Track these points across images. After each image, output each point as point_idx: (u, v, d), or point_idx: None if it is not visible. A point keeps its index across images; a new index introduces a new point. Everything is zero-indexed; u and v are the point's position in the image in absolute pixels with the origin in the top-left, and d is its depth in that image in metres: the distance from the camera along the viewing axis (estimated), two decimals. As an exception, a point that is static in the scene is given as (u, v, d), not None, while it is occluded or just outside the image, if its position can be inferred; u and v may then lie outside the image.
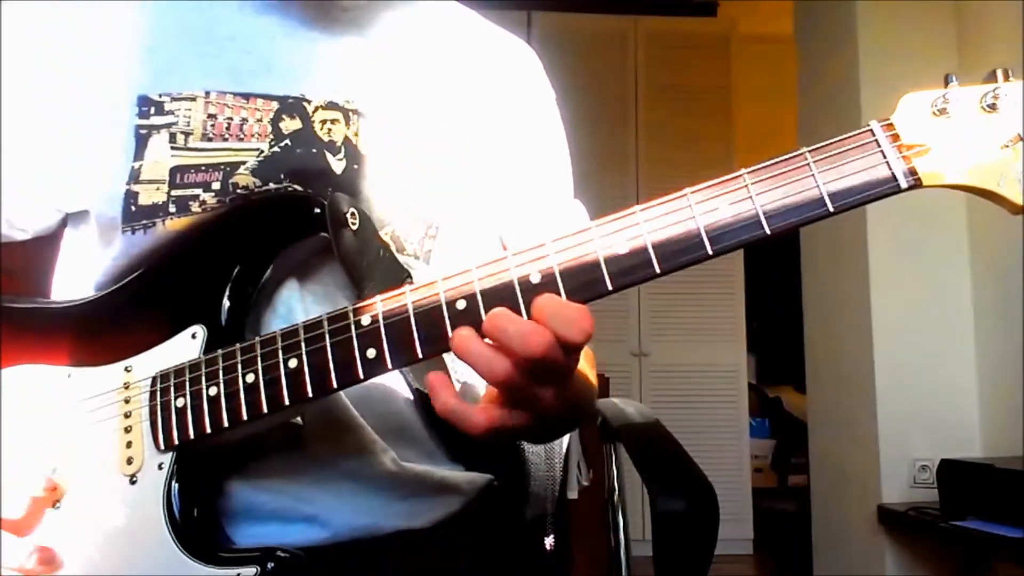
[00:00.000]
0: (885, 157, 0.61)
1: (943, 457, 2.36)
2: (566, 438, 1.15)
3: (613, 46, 4.23)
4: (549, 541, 1.08)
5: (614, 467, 0.98)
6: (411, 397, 0.83)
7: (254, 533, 0.74)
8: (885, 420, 2.61)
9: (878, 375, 2.63)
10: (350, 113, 0.81)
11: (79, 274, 0.83)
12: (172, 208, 0.77)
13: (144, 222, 0.77)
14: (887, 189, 0.61)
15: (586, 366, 0.84)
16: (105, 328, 0.78)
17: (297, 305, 0.77)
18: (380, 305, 0.66)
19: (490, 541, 0.87)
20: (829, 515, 2.96)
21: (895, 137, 0.61)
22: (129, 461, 0.73)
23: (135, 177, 0.77)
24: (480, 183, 0.88)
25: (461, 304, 0.64)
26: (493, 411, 0.64)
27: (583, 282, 0.63)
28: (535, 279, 0.63)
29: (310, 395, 0.67)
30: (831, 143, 0.62)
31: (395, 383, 0.82)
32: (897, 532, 2.56)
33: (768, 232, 0.61)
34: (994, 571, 2.44)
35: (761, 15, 4.18)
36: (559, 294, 0.63)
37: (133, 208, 0.77)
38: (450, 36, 0.93)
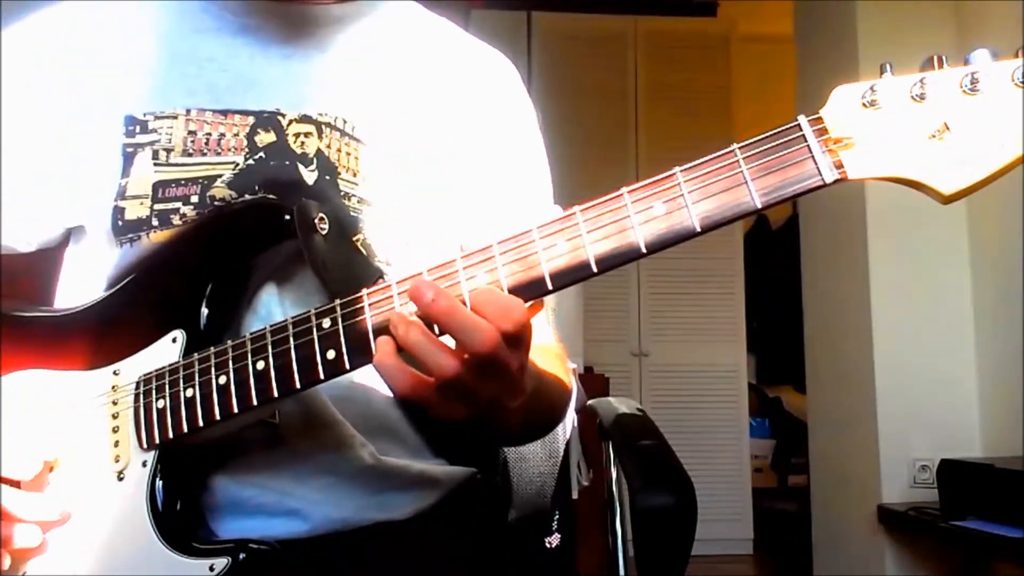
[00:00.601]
0: (811, 151, 0.61)
1: (943, 457, 2.36)
2: (565, 436, 1.15)
3: (613, 46, 4.23)
4: (551, 540, 1.09)
5: (612, 466, 0.98)
6: (392, 395, 0.84)
7: (239, 526, 0.78)
8: (885, 420, 2.61)
9: (878, 375, 2.63)
10: (323, 126, 0.84)
11: (80, 285, 0.87)
12: (155, 222, 0.81)
13: (130, 236, 0.82)
14: (812, 183, 0.61)
15: (558, 367, 0.88)
16: (96, 335, 0.82)
17: (276, 308, 0.81)
18: (339, 308, 0.69)
19: (471, 533, 0.90)
20: (829, 515, 2.96)
21: (823, 131, 0.61)
22: (117, 459, 0.78)
23: (121, 193, 0.82)
24: (454, 190, 0.90)
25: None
26: (422, 388, 0.65)
27: (526, 283, 0.65)
28: (482, 282, 0.66)
29: (275, 395, 0.71)
30: (761, 139, 0.62)
31: (375, 382, 0.83)
32: (897, 532, 2.56)
33: (699, 230, 0.63)
34: (994, 571, 2.44)
35: (761, 15, 4.18)
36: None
37: (120, 223, 0.82)
38: (425, 47, 0.95)
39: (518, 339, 0.64)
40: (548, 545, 1.09)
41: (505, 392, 0.67)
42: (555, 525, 1.11)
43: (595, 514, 1.09)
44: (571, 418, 1.19)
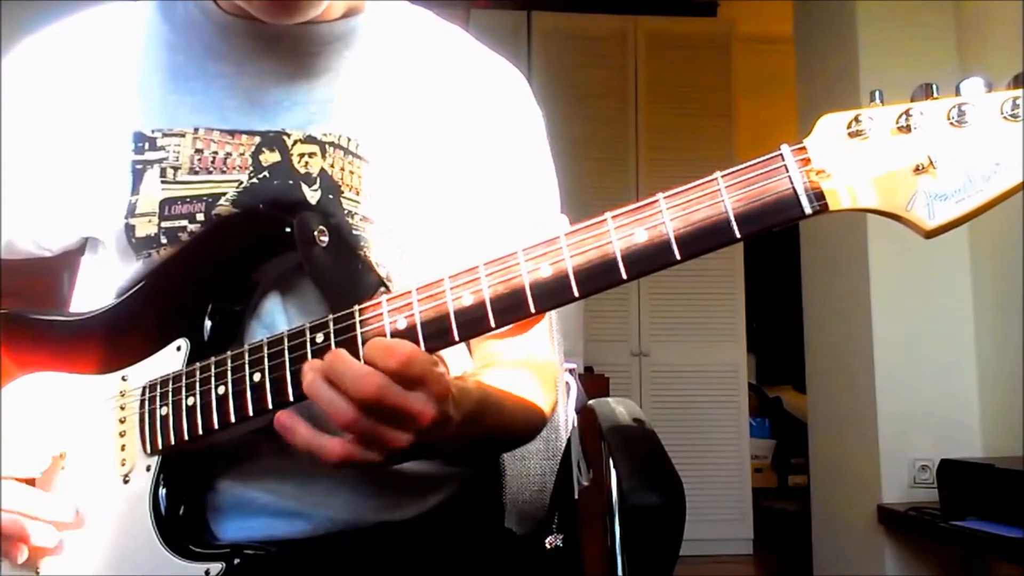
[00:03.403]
0: (792, 183, 0.60)
1: (943, 457, 2.35)
2: (565, 436, 1.15)
3: (613, 46, 4.22)
4: (551, 540, 1.09)
5: (611, 466, 0.98)
6: None
7: (243, 527, 0.80)
8: (885, 420, 2.61)
9: (878, 375, 2.63)
10: (327, 146, 0.85)
11: (95, 295, 0.89)
12: (163, 239, 0.84)
13: (144, 253, 0.84)
14: (792, 214, 0.60)
15: (530, 383, 0.87)
16: (107, 340, 0.85)
17: (280, 316, 0.83)
18: (332, 323, 0.71)
19: (472, 534, 0.91)
20: (829, 515, 2.96)
21: (805, 161, 0.60)
22: (123, 463, 0.80)
23: (131, 211, 0.84)
24: (458, 206, 0.90)
25: (401, 324, 0.68)
26: (348, 445, 0.67)
27: (508, 305, 0.66)
28: (467, 302, 0.67)
29: (270, 407, 0.72)
30: (744, 167, 0.62)
31: None
32: (897, 532, 2.56)
33: (679, 259, 0.62)
34: (994, 571, 2.44)
35: (761, 15, 4.18)
36: (488, 317, 0.66)
37: (133, 241, 0.84)
38: (432, 59, 0.94)
39: (408, 378, 0.65)
40: (548, 545, 1.09)
41: (422, 433, 0.67)
42: (555, 525, 1.12)
43: (595, 514, 1.10)
44: (571, 418, 1.20)
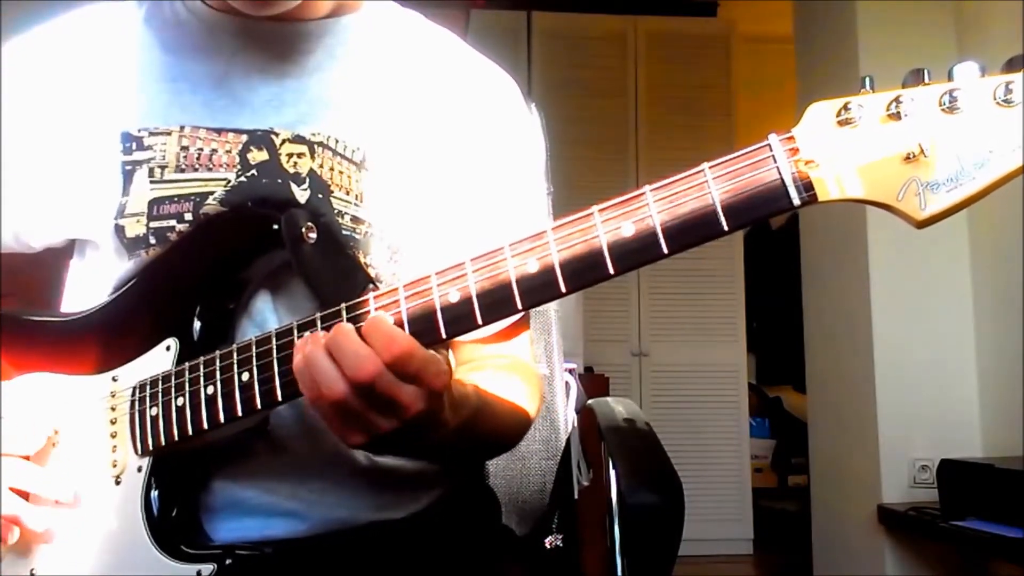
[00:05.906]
0: (780, 172, 0.59)
1: (943, 457, 2.36)
2: (564, 436, 1.15)
3: (613, 46, 4.22)
4: (550, 540, 1.09)
5: (611, 466, 0.98)
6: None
7: (237, 527, 0.80)
8: (885, 420, 2.61)
9: (878, 375, 2.63)
10: (315, 145, 0.84)
11: (88, 292, 0.89)
12: (152, 240, 0.83)
13: (135, 253, 0.83)
14: (781, 205, 0.59)
15: (518, 389, 0.87)
16: (97, 340, 0.85)
17: (271, 315, 0.82)
18: (319, 321, 0.70)
19: (469, 532, 0.91)
20: (829, 515, 2.96)
21: (794, 151, 0.59)
22: (114, 464, 0.80)
23: (121, 212, 0.84)
24: (446, 209, 0.89)
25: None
26: (321, 402, 0.66)
27: (495, 301, 0.65)
28: (454, 298, 0.66)
29: (259, 407, 0.72)
30: (732, 158, 0.61)
31: None
32: (897, 532, 2.56)
33: (666, 253, 0.61)
34: (994, 571, 2.44)
35: (761, 15, 4.18)
36: (475, 313, 0.65)
37: (125, 241, 0.84)
38: (422, 63, 0.93)
39: (403, 373, 0.64)
40: (548, 545, 1.09)
41: (407, 423, 0.66)
42: (555, 525, 1.12)
43: (595, 514, 1.10)
44: (571, 418, 1.20)
